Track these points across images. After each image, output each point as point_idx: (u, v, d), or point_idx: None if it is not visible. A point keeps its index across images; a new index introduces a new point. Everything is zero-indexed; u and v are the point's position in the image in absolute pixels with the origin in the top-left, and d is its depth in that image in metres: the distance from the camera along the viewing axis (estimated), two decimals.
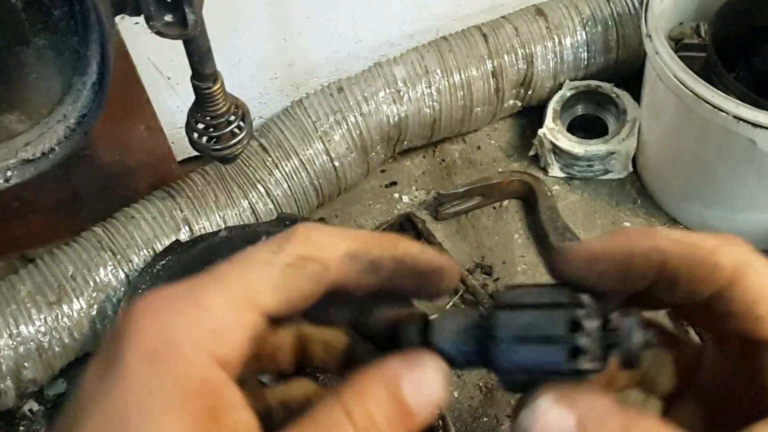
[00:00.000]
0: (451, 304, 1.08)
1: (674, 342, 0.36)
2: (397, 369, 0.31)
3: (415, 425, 0.30)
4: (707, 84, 0.97)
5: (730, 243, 0.31)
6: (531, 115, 1.29)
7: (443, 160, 1.28)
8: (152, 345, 0.27)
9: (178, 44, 0.77)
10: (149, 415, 0.26)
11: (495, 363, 0.31)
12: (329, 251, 0.32)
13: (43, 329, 0.95)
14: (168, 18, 0.70)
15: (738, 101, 0.95)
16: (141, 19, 0.71)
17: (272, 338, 0.37)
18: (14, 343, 0.94)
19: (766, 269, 0.31)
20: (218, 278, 0.30)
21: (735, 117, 0.94)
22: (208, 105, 0.84)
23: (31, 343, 0.95)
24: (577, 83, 1.25)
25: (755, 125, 0.93)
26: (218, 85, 0.83)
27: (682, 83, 0.98)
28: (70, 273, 0.99)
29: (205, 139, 0.90)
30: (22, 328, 0.94)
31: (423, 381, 0.31)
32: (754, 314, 0.30)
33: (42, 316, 0.96)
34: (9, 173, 0.79)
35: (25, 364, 0.95)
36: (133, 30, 0.93)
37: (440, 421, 0.87)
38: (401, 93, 1.16)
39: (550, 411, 0.29)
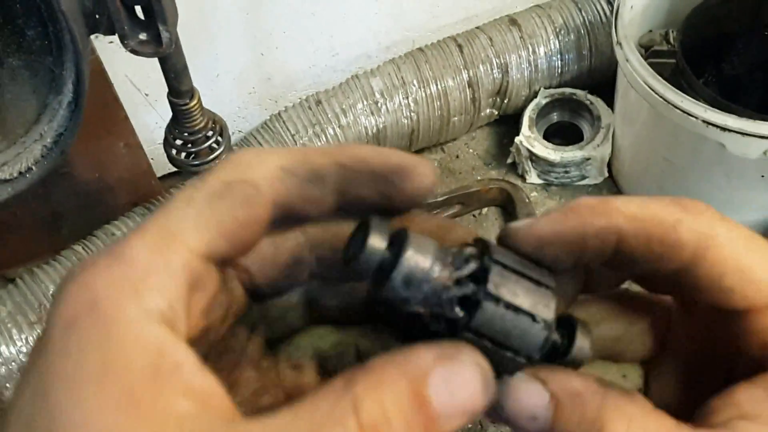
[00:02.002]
0: None
1: (646, 306, 0.34)
2: (426, 361, 0.25)
3: (437, 427, 0.25)
4: (677, 90, 0.99)
5: (692, 214, 0.28)
6: (508, 124, 1.30)
7: None
8: (72, 309, 0.24)
9: (155, 61, 0.78)
10: (70, 386, 0.23)
11: (473, 321, 0.27)
12: (258, 169, 0.28)
13: (24, 349, 0.95)
14: (142, 36, 0.71)
15: (707, 106, 0.97)
16: (116, 37, 0.71)
17: (290, 356, 0.33)
18: None
19: (732, 236, 0.28)
20: (139, 228, 0.26)
21: (704, 121, 0.96)
22: (186, 121, 0.85)
23: (13, 363, 0.94)
24: (552, 91, 1.27)
25: (724, 129, 0.95)
26: (195, 102, 0.83)
27: (652, 89, 1.00)
28: (51, 292, 0.98)
29: (183, 155, 0.90)
30: (3, 348, 0.94)
31: (457, 381, 0.25)
32: (723, 287, 0.28)
33: (23, 336, 0.95)
34: None
35: (7, 384, 0.94)
36: (109, 48, 0.93)
37: None
38: (379, 104, 1.17)
39: (524, 386, 0.28)
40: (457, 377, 0.25)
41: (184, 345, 0.25)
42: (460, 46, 1.22)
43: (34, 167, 0.78)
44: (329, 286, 0.33)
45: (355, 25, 1.20)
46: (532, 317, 0.28)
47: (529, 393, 0.28)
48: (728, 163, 1.01)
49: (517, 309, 0.28)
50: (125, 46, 0.71)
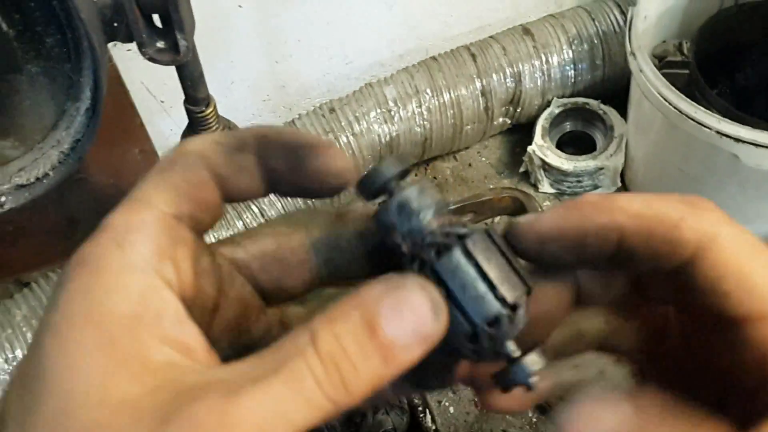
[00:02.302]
0: None
1: (637, 308, 0.33)
2: (376, 292, 0.26)
3: (395, 361, 0.25)
4: (690, 100, 0.98)
5: (696, 212, 0.28)
6: (520, 133, 1.31)
7: (435, 178, 1.30)
8: (63, 274, 0.26)
9: (171, 68, 0.79)
10: (55, 333, 0.24)
11: (438, 264, 0.28)
12: (193, 143, 0.31)
13: None
14: (160, 44, 0.72)
15: (720, 117, 0.96)
16: (134, 45, 0.72)
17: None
18: (10, 367, 0.94)
19: (735, 240, 0.28)
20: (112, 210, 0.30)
21: (718, 132, 0.95)
22: (202, 128, 0.86)
23: None
24: (565, 100, 1.27)
25: (737, 140, 0.94)
26: (211, 109, 0.84)
27: (666, 100, 1.00)
28: None
29: None
30: (18, 352, 0.95)
31: (404, 306, 0.26)
32: (720, 290, 0.27)
33: None
34: (3, 198, 0.80)
35: None
36: (126, 55, 0.94)
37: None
38: (392, 113, 1.17)
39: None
40: (404, 303, 0.26)
41: (168, 293, 0.26)
42: (473, 55, 1.22)
43: (51, 173, 0.79)
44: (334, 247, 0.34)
45: (369, 33, 1.20)
46: (493, 288, 0.28)
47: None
48: (742, 174, 1.00)
49: (483, 274, 0.28)
50: (143, 54, 0.72)
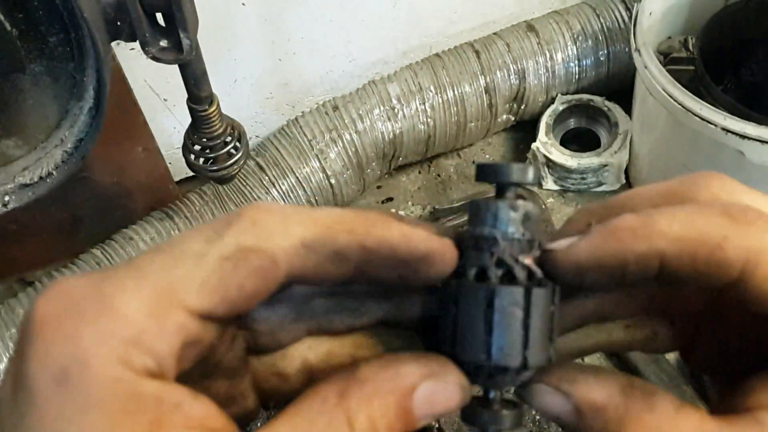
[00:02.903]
0: None
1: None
2: (414, 377, 0.27)
3: (415, 426, 0.27)
4: (696, 97, 0.98)
5: (740, 227, 0.26)
6: (524, 130, 1.30)
7: (438, 175, 1.29)
8: (59, 364, 0.23)
9: (175, 66, 0.78)
10: None
11: (497, 287, 0.28)
12: (279, 240, 0.26)
13: None
14: (163, 43, 0.71)
15: (726, 113, 0.96)
16: (137, 44, 0.72)
17: (275, 363, 0.32)
18: None
19: None
20: (136, 273, 0.25)
21: (723, 129, 0.95)
22: (205, 127, 0.85)
23: None
24: (569, 97, 1.26)
25: (743, 137, 0.94)
26: (214, 107, 0.84)
27: (671, 96, 0.99)
28: None
29: (201, 160, 0.91)
30: None
31: (438, 397, 0.27)
32: None
33: None
34: (7, 198, 0.80)
35: None
36: (129, 53, 0.94)
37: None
38: (395, 110, 1.17)
39: (548, 396, 0.29)
40: (439, 395, 0.28)
41: (174, 386, 0.25)
42: (477, 52, 1.22)
43: (54, 172, 0.79)
44: (338, 308, 0.32)
45: (373, 30, 1.20)
46: (526, 344, 0.28)
47: (554, 403, 0.29)
48: (747, 171, 1.00)
49: (526, 326, 0.28)
50: (146, 53, 0.72)
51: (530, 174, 0.30)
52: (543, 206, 1.20)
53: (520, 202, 0.30)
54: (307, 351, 0.33)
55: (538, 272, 0.29)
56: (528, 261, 0.29)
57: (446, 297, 0.30)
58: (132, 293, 0.24)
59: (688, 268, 0.27)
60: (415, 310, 0.32)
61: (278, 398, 0.33)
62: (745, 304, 0.28)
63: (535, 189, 1.25)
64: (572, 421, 0.28)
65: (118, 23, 0.70)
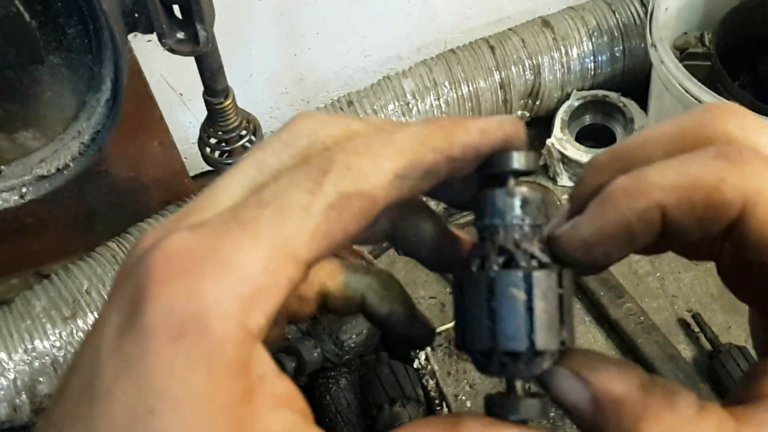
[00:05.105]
0: None
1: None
2: None
3: None
4: (712, 92, 0.97)
5: (736, 167, 0.26)
6: (539, 126, 1.30)
7: None
8: (178, 319, 0.24)
9: (190, 61, 0.79)
10: (176, 407, 0.23)
11: (496, 272, 0.28)
12: (375, 179, 0.27)
13: (58, 344, 0.96)
14: (180, 35, 0.72)
15: None
16: (153, 36, 0.72)
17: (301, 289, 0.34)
18: (29, 358, 0.95)
19: None
20: (249, 229, 0.25)
21: None
22: (220, 120, 0.86)
23: (46, 357, 0.96)
24: (585, 93, 1.26)
25: None
26: (230, 101, 0.84)
27: (687, 92, 0.98)
28: (85, 288, 1.00)
29: (217, 153, 0.91)
30: (37, 343, 0.95)
31: None
32: None
33: (57, 331, 0.97)
34: (24, 189, 0.81)
35: (40, 378, 0.96)
36: (145, 47, 0.95)
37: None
38: (410, 105, 1.17)
39: (567, 382, 0.28)
40: None
41: (266, 357, 0.26)
42: (492, 48, 1.21)
43: (71, 164, 0.80)
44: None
45: (387, 26, 1.20)
46: (531, 327, 0.28)
47: (572, 389, 0.28)
48: None
49: (530, 309, 0.28)
50: (163, 44, 0.72)
51: (524, 160, 0.30)
52: (558, 203, 1.19)
53: (517, 188, 0.30)
54: (326, 279, 0.36)
55: (540, 255, 0.29)
56: (529, 246, 0.29)
57: (455, 290, 0.30)
58: (249, 250, 0.25)
59: (689, 214, 0.26)
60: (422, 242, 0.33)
61: (296, 319, 0.35)
62: (747, 252, 0.27)
63: (550, 185, 1.24)
64: (589, 413, 0.28)
65: (136, 15, 0.70)
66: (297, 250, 0.26)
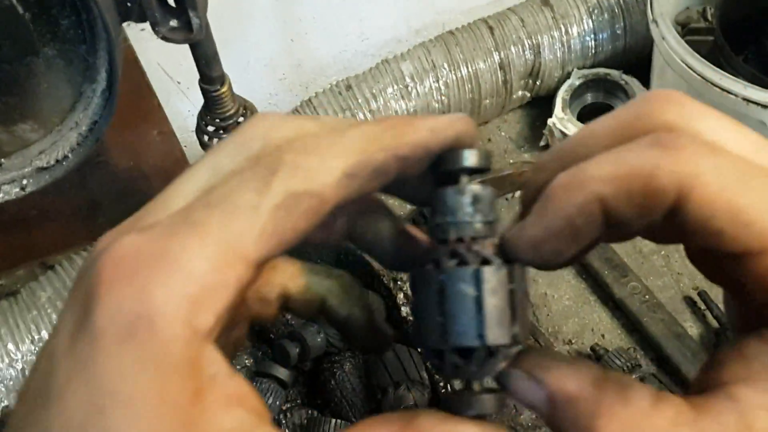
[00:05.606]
0: None
1: None
2: None
3: None
4: (715, 67, 0.96)
5: (670, 153, 0.26)
6: (540, 106, 1.29)
7: None
8: (127, 319, 0.24)
9: (187, 49, 0.78)
10: (126, 406, 0.23)
11: (446, 271, 0.29)
12: (323, 178, 0.28)
13: None
14: (173, 23, 0.71)
15: (746, 83, 0.94)
16: (147, 25, 0.72)
17: (260, 289, 0.35)
18: (36, 348, 0.96)
19: (719, 172, 0.26)
20: (197, 229, 0.26)
21: (744, 99, 0.93)
22: (217, 108, 0.86)
23: None
24: (586, 71, 1.25)
25: (765, 106, 0.92)
26: (226, 88, 0.84)
27: (689, 67, 0.97)
28: None
29: (215, 141, 0.91)
30: (44, 333, 0.96)
31: None
32: (712, 230, 0.26)
33: None
34: (25, 181, 0.81)
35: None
36: (142, 36, 0.94)
37: None
38: (409, 88, 1.16)
39: (522, 383, 0.28)
40: None
41: (218, 356, 0.26)
42: (491, 28, 1.20)
43: (70, 155, 0.80)
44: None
45: (385, 9, 1.19)
46: (481, 324, 0.28)
47: (527, 390, 0.28)
48: None
49: (479, 305, 0.28)
50: (156, 33, 0.72)
51: (476, 158, 0.30)
52: None
53: (468, 186, 0.30)
54: (288, 280, 0.36)
55: (488, 252, 0.29)
56: (480, 243, 0.29)
57: (411, 289, 0.31)
58: (197, 250, 0.25)
59: (628, 204, 0.26)
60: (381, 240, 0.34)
61: (259, 321, 0.36)
62: (690, 238, 0.27)
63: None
64: (546, 411, 0.28)
65: (128, 4, 0.70)
66: (245, 249, 0.26)
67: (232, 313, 0.27)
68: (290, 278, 0.37)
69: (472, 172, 0.30)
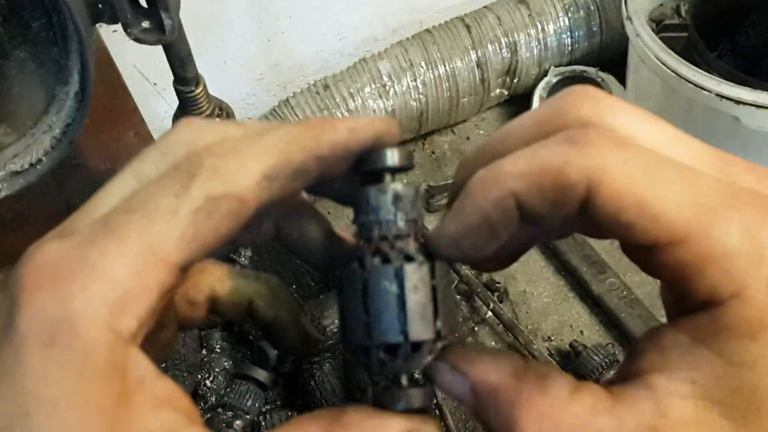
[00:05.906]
0: None
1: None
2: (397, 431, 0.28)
3: None
4: (689, 64, 0.97)
5: (579, 149, 0.26)
6: (518, 104, 1.29)
7: (433, 152, 1.29)
8: (48, 325, 0.24)
9: (162, 50, 0.78)
10: (50, 410, 0.24)
11: (370, 270, 0.29)
12: (242, 180, 0.28)
13: None
14: (145, 24, 0.71)
15: (720, 79, 0.95)
16: (119, 26, 0.72)
17: (188, 292, 0.36)
18: None
19: (626, 166, 0.26)
20: (116, 235, 0.26)
21: (718, 95, 0.94)
22: (192, 108, 0.85)
23: None
24: (562, 69, 1.25)
25: (738, 102, 0.93)
26: (200, 89, 0.83)
27: (664, 64, 0.98)
28: None
29: None
30: None
31: None
32: (621, 223, 0.26)
33: None
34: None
35: None
36: (117, 38, 0.94)
37: (437, 411, 0.87)
38: (387, 87, 1.16)
39: (447, 375, 0.29)
40: None
41: (142, 358, 0.26)
42: (467, 27, 1.21)
43: (44, 158, 0.79)
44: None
45: (362, 8, 1.19)
46: (404, 320, 0.28)
47: (453, 382, 0.29)
48: (743, 137, 0.99)
49: (402, 302, 0.28)
50: (128, 34, 0.71)
51: (397, 157, 0.31)
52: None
53: (390, 185, 0.30)
54: (216, 283, 0.37)
55: (412, 250, 0.29)
56: (401, 240, 0.30)
57: (336, 289, 0.31)
58: (116, 256, 0.26)
59: (540, 199, 0.27)
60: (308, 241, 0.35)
61: (188, 324, 0.37)
62: (601, 229, 0.27)
63: None
64: (471, 403, 0.29)
65: (100, 5, 0.69)
66: (165, 253, 0.26)
67: (158, 316, 0.28)
68: (218, 281, 0.37)
69: (395, 171, 0.31)
